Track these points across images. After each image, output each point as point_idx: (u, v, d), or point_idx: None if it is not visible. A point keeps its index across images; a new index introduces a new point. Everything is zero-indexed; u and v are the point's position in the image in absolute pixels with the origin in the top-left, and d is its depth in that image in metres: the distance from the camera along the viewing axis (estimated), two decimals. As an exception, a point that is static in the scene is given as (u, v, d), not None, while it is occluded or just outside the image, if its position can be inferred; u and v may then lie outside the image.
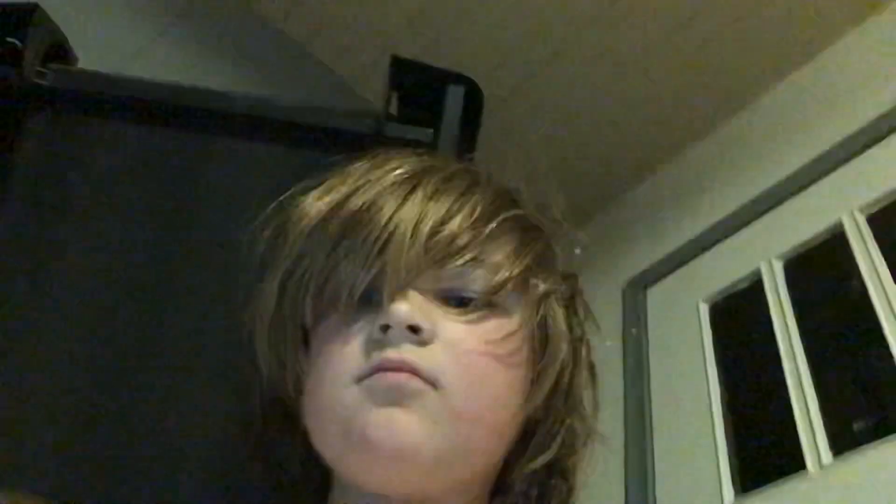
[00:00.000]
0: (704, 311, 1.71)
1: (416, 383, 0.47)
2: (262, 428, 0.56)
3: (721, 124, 1.93)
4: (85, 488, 0.66)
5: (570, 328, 0.55)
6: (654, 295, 1.86)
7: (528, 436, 0.54)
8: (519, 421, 0.52)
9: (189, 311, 0.75)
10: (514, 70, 1.93)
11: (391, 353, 0.48)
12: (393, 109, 0.84)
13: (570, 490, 0.55)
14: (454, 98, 0.82)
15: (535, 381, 0.52)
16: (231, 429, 0.67)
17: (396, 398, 0.47)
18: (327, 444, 0.51)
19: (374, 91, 0.92)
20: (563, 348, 0.53)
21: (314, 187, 0.56)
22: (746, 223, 1.72)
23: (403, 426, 0.46)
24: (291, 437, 0.55)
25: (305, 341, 0.54)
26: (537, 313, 0.53)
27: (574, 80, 1.91)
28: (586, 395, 0.56)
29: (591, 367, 0.57)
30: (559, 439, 0.54)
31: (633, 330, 1.77)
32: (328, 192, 0.55)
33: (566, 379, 0.54)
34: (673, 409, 1.65)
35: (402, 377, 0.47)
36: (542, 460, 0.53)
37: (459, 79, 0.82)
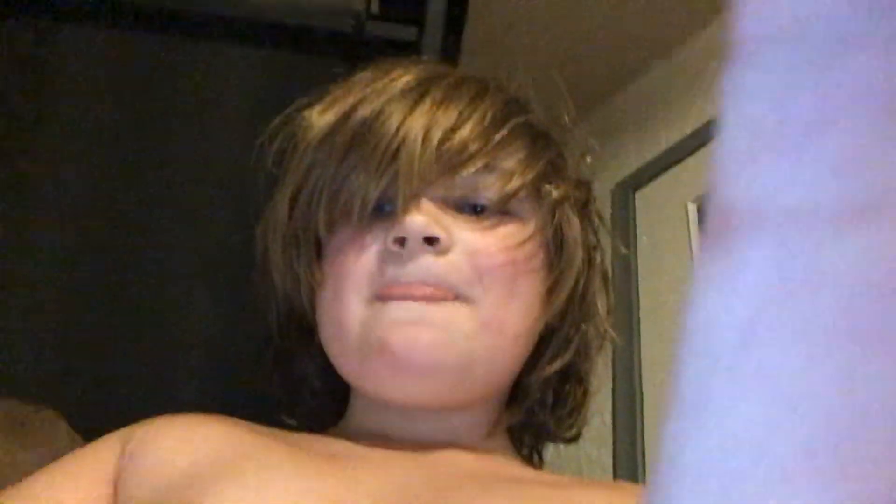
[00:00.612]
0: (693, 211, 1.72)
1: (436, 298, 0.46)
2: (279, 342, 0.56)
3: (709, 24, 1.89)
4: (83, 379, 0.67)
5: (585, 235, 0.55)
6: (643, 197, 1.86)
7: (543, 343, 0.54)
8: (537, 328, 0.52)
9: (168, 220, 0.74)
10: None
11: (408, 274, 0.46)
12: (375, 7, 0.81)
13: (585, 394, 0.56)
14: (438, -6, 0.79)
15: (551, 288, 0.52)
16: (227, 334, 0.68)
17: (416, 317, 0.46)
18: (345, 359, 0.50)
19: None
20: (579, 255, 0.53)
21: (317, 101, 0.54)
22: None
23: (425, 342, 0.46)
24: (309, 351, 0.55)
25: (319, 254, 0.53)
26: (552, 220, 0.52)
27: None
28: (600, 301, 0.56)
29: (605, 274, 0.57)
30: (574, 345, 0.54)
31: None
32: (333, 103, 0.53)
33: (581, 286, 0.54)
34: (661, 309, 1.67)
35: (423, 293, 0.46)
36: (557, 366, 0.53)
37: (444, -26, 0.79)
